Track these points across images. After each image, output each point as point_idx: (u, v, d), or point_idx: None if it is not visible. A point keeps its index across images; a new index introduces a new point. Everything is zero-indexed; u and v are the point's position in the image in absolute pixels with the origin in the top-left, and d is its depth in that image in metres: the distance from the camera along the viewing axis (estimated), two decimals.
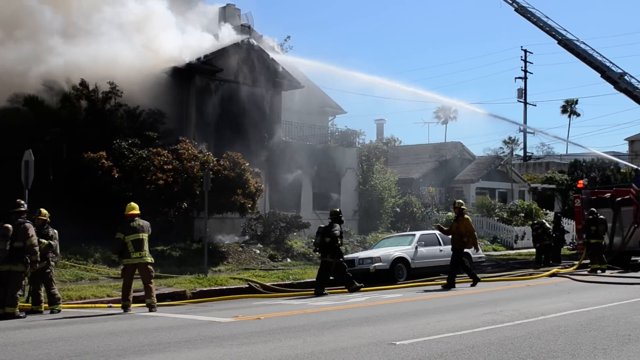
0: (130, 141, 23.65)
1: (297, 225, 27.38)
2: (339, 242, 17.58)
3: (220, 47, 28.70)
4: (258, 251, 25.43)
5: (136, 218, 14.06)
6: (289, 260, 25.31)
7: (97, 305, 15.09)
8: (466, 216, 18.34)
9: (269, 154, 29.94)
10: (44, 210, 14.40)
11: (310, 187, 32.24)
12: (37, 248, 13.46)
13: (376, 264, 20.04)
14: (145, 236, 13.87)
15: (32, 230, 13.49)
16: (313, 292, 17.49)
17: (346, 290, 17.70)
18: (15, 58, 23.12)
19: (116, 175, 22.39)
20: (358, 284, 17.69)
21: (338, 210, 18.45)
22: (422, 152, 47.70)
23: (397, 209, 36.24)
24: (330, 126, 38.69)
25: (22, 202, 13.91)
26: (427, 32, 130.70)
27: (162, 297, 16.35)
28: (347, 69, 31.52)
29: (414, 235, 22.38)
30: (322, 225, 18.26)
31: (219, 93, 28.62)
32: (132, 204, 14.27)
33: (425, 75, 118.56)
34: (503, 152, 69.36)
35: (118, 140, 23.38)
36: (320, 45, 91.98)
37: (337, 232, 17.54)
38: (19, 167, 17.57)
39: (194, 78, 27.90)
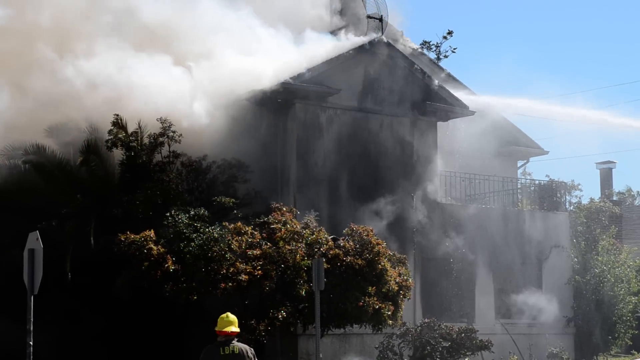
0: (192, 212, 23.93)
1: (469, 346, 26.76)
2: None
3: (335, 55, 28.92)
4: None
5: (233, 340, 14.07)
6: None
7: None
8: None
9: (418, 226, 29.66)
10: None
11: (491, 279, 31.63)
12: None
13: None
14: None
15: None
16: None
17: None
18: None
19: (171, 268, 22.62)
20: None
21: None
22: None
23: None
24: (521, 176, 37.90)
25: None
26: None
27: None
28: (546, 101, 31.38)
29: None
30: None
31: (334, 128, 28.68)
32: (229, 316, 14.33)
33: None
34: None
35: (174, 212, 23.72)
36: (502, 43, 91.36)
37: None
38: (20, 260, 17.97)
39: (293, 107, 28.21)
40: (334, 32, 30.76)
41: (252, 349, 14.42)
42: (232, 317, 14.32)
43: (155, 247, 22.73)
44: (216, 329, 14.16)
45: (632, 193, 63.97)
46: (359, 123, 29.21)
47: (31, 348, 17.07)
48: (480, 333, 27.34)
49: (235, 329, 14.17)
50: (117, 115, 24.77)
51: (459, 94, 31.59)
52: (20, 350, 17.28)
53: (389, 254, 24.74)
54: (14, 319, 20.49)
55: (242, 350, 14.08)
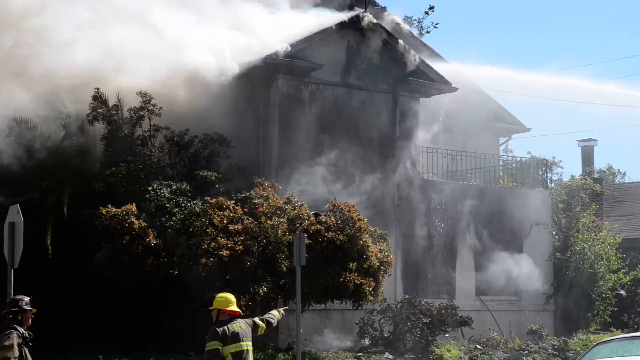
0: (174, 187, 24.00)
1: (450, 322, 27.08)
2: None
3: (318, 30, 28.91)
4: None
5: (236, 319, 14.25)
6: None
7: None
8: None
9: (399, 202, 29.79)
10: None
11: (471, 256, 31.77)
12: None
13: None
14: (250, 346, 14.24)
15: (13, 339, 13.63)
16: None
17: None
18: None
19: (153, 242, 22.68)
20: None
21: None
22: None
23: (622, 292, 35.17)
24: (503, 152, 38.00)
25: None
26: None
27: None
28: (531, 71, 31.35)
29: None
30: None
31: (317, 104, 28.71)
32: (228, 295, 14.52)
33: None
34: None
35: (155, 186, 23.77)
36: (484, 21, 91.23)
37: None
38: (0, 233, 18.01)
39: (275, 81, 28.21)
40: (316, 7, 30.64)
41: (248, 319, 14.61)
42: (233, 297, 14.50)
43: (136, 221, 22.84)
44: (219, 307, 14.20)
45: (613, 171, 64.22)
46: (341, 98, 29.22)
47: None
48: (460, 309, 27.70)
49: (237, 309, 14.37)
50: (98, 89, 24.80)
51: (440, 67, 31.54)
52: None
53: (370, 230, 24.84)
54: None
55: (247, 323, 14.33)
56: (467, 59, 34.03)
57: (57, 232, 23.34)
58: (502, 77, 32.83)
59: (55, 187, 23.74)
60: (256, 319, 14.54)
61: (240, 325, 14.15)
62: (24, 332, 13.81)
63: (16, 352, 13.56)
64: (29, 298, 14.07)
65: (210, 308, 14.31)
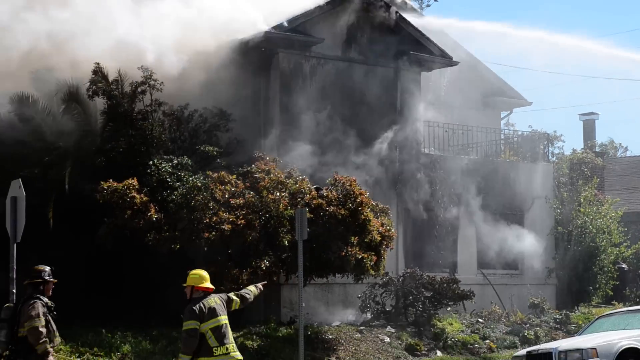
0: (176, 161, 24.07)
1: (451, 296, 27.19)
2: None
3: (319, 3, 28.81)
4: (387, 338, 25.28)
5: (210, 295, 14.28)
6: (439, 353, 25.08)
7: None
8: None
9: (402, 177, 29.82)
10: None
11: (472, 230, 31.82)
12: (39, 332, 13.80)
13: None
14: (226, 319, 14.30)
15: (38, 308, 13.90)
16: None
17: None
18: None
19: (154, 217, 22.75)
20: None
21: None
22: None
23: (624, 266, 35.24)
24: (504, 127, 38.00)
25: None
26: None
27: None
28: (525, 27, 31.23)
29: None
30: None
31: (318, 78, 28.69)
32: (201, 272, 14.57)
33: None
34: None
35: (156, 161, 23.83)
36: None
37: None
38: (2, 207, 18.06)
39: (276, 56, 28.17)
40: None
41: (222, 294, 14.69)
42: (206, 274, 14.56)
43: (138, 196, 22.90)
44: (193, 284, 14.23)
45: (615, 144, 64.24)
46: (342, 73, 29.21)
47: (14, 296, 17.19)
48: (462, 283, 27.80)
49: (211, 285, 14.41)
50: (98, 63, 24.73)
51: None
52: (2, 298, 17.39)
53: (372, 204, 24.82)
54: None
55: (221, 298, 14.40)
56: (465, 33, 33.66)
57: (59, 207, 23.40)
58: (490, 30, 32.65)
59: (57, 162, 23.84)
60: (231, 294, 14.59)
61: (216, 301, 14.21)
62: (47, 301, 14.13)
63: (42, 321, 13.96)
64: (50, 269, 14.39)
65: (184, 285, 14.31)
